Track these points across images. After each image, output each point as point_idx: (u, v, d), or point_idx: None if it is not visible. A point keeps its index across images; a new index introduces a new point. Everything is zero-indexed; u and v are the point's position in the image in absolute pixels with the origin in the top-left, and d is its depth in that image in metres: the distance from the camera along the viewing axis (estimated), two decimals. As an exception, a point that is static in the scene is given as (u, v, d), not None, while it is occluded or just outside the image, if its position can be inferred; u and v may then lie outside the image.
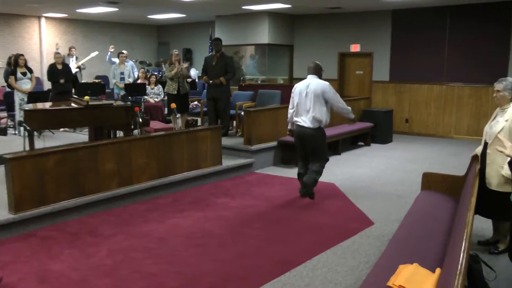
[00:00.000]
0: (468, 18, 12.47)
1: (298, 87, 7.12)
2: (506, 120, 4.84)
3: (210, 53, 10.41)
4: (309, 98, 6.88)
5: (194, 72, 16.09)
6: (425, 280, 3.32)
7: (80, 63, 13.80)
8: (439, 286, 3.13)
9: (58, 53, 12.02)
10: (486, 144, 5.11)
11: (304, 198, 7.19)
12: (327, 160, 7.26)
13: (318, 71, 7.15)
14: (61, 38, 17.42)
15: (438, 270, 3.43)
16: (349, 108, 7.27)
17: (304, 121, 6.92)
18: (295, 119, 7.07)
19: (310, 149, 7.05)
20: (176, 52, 10.62)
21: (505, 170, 4.70)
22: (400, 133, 13.41)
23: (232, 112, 10.86)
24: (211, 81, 10.07)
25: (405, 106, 13.69)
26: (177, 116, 10.41)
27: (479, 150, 5.35)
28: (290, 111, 7.16)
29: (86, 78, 15.59)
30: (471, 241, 3.44)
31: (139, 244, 5.45)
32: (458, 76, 12.76)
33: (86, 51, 14.73)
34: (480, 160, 5.15)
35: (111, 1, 12.45)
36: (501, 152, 3.06)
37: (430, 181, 5.92)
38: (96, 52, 14.53)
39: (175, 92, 10.47)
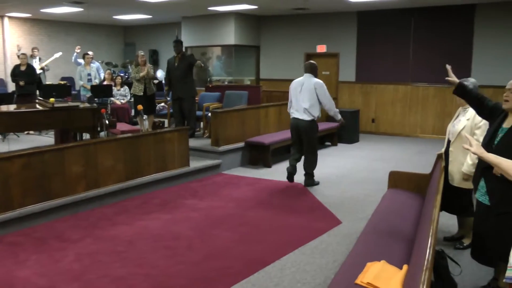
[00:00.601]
0: (432, 19, 12.68)
1: (293, 84, 7.96)
2: (468, 119, 4.98)
3: (172, 56, 10.39)
4: (303, 94, 7.68)
5: (160, 74, 16.00)
6: (392, 277, 3.37)
7: (43, 64, 13.60)
8: (406, 282, 3.17)
9: (23, 54, 11.84)
10: (449, 142, 5.22)
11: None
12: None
13: (313, 70, 7.85)
14: (25, 38, 17.11)
15: (405, 267, 3.48)
16: (337, 110, 7.97)
17: (299, 113, 7.71)
18: (291, 112, 7.89)
19: (305, 140, 7.82)
20: (142, 53, 10.56)
21: (465, 167, 4.82)
22: (366, 133, 13.55)
23: (199, 113, 10.84)
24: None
25: (371, 106, 13.84)
26: (144, 117, 10.34)
27: (467, 146, 5.43)
28: (288, 106, 8.01)
29: (51, 79, 15.38)
30: (437, 237, 3.50)
31: (107, 248, 5.40)
32: (423, 76, 12.96)
33: (51, 52, 14.54)
34: (444, 158, 5.27)
35: (76, 1, 12.29)
36: (467, 149, 3.11)
37: (397, 180, 6.00)
38: (60, 53, 14.33)
39: (141, 94, 10.42)
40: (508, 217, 3.83)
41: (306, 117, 7.67)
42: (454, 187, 5.11)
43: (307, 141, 7.83)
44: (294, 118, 7.80)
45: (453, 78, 4.38)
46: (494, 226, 3.84)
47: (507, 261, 2.71)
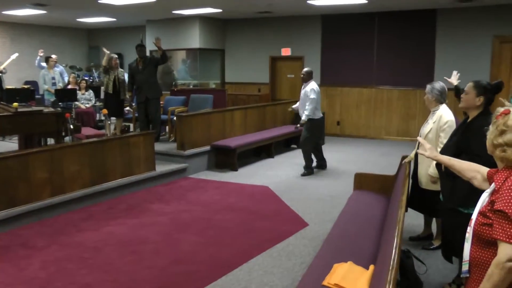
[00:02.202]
0: (395, 23, 12.87)
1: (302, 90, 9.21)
2: (434, 122, 5.08)
3: (133, 60, 10.36)
4: (302, 97, 9.03)
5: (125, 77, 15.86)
6: (359, 277, 3.42)
7: (1, 67, 13.34)
8: (373, 282, 3.22)
9: None
10: (418, 144, 5.32)
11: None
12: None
13: (309, 76, 9.06)
14: (-14, 41, 16.80)
15: (371, 267, 3.53)
16: (308, 114, 8.79)
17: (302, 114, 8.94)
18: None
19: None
20: (116, 57, 10.51)
21: (431, 169, 4.92)
22: (332, 135, 13.65)
23: (164, 117, 10.80)
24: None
25: (336, 108, 13.96)
26: (112, 120, 10.27)
27: (421, 150, 5.54)
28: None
29: (14, 83, 15.10)
30: (402, 237, 3.56)
31: (73, 254, 5.34)
32: (387, 79, 13.13)
33: (13, 55, 14.24)
34: (414, 160, 5.38)
35: (38, 3, 12.12)
36: (422, 154, 3.21)
37: (362, 181, 6.08)
38: (16, 54, 14.04)
39: (112, 91, 10.38)
40: (455, 212, 3.98)
41: (305, 117, 8.90)
42: (422, 188, 5.22)
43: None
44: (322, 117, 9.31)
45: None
46: (445, 221, 4.05)
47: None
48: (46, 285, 4.59)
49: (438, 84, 5.21)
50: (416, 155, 5.35)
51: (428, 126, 5.16)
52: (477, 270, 2.38)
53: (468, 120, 4.17)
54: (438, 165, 3.39)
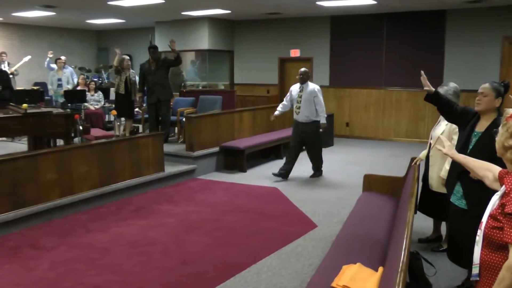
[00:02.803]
0: (404, 24, 12.83)
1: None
2: (446, 124, 5.02)
3: (145, 61, 10.37)
4: (305, 98, 8.72)
5: (136, 78, 15.88)
6: (368, 279, 3.40)
7: (13, 69, 13.40)
8: (382, 284, 3.20)
9: None
10: (430, 146, 5.28)
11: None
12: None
13: (308, 76, 8.83)
14: (-4, 43, 16.89)
15: (380, 269, 3.51)
16: (325, 115, 8.86)
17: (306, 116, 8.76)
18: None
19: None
20: (127, 58, 10.50)
21: (443, 172, 4.88)
22: (341, 137, 13.62)
23: (173, 118, 10.80)
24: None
25: (345, 110, 13.93)
26: (119, 122, 10.28)
27: (423, 154, 5.53)
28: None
29: (24, 85, 15.17)
30: (411, 239, 3.54)
31: (82, 255, 5.35)
32: (396, 80, 13.09)
33: (23, 57, 14.31)
34: (425, 162, 5.33)
35: (48, 5, 12.16)
36: (440, 150, 3.17)
37: (371, 183, 6.05)
38: (29, 57, 14.12)
39: (123, 92, 10.37)
40: (463, 216, 3.94)
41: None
42: (433, 191, 5.18)
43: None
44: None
45: (429, 87, 4.45)
46: (471, 229, 3.88)
47: None
48: (54, 286, 4.60)
49: (452, 85, 5.16)
50: (427, 157, 5.31)
51: (440, 128, 5.11)
52: (488, 274, 2.35)
53: (490, 123, 4.01)
54: (466, 171, 3.25)
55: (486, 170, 2.76)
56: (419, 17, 12.56)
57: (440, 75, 12.13)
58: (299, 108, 8.66)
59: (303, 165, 9.83)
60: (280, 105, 9.08)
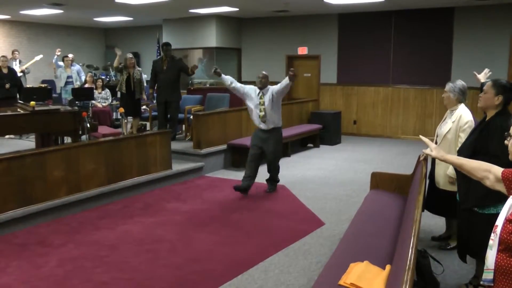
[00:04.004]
0: (412, 22, 12.78)
1: None
2: (453, 121, 5.00)
3: (158, 57, 10.38)
4: (270, 103, 7.60)
5: (141, 76, 15.91)
6: (375, 277, 3.39)
7: (24, 67, 13.47)
8: (389, 282, 3.19)
9: (4, 56, 11.73)
10: (436, 144, 5.26)
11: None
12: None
13: (268, 81, 7.76)
14: (4, 41, 16.93)
15: (388, 267, 3.50)
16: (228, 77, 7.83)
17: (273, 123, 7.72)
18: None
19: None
20: (131, 56, 10.48)
21: (450, 170, 4.87)
22: (348, 135, 13.60)
23: (181, 116, 10.81)
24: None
25: (353, 108, 13.90)
26: (129, 119, 10.29)
27: (427, 151, 5.50)
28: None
29: (32, 82, 15.23)
30: (419, 237, 3.53)
31: (89, 253, 5.36)
32: (403, 78, 13.05)
33: (31, 55, 14.39)
34: (431, 160, 5.31)
35: (55, 3, 12.19)
36: (428, 155, 3.11)
37: (379, 181, 6.03)
38: (41, 56, 14.20)
39: (125, 91, 10.36)
40: (472, 213, 3.94)
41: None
42: (440, 189, 5.16)
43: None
44: None
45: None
46: (462, 222, 3.99)
47: (481, 259, 2.73)
48: (62, 283, 4.61)
49: (460, 83, 5.13)
50: None
51: (447, 126, 5.09)
52: (504, 279, 2.26)
53: (486, 119, 4.11)
54: None
55: (485, 171, 2.68)
56: (427, 15, 12.50)
57: (448, 72, 12.09)
58: (264, 117, 7.46)
59: (309, 164, 9.83)
60: (233, 80, 7.76)
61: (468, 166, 2.81)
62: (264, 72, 7.69)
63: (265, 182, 8.00)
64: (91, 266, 5.00)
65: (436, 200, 5.27)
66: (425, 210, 5.32)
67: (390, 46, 13.14)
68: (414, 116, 13.04)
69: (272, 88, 7.51)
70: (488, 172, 2.66)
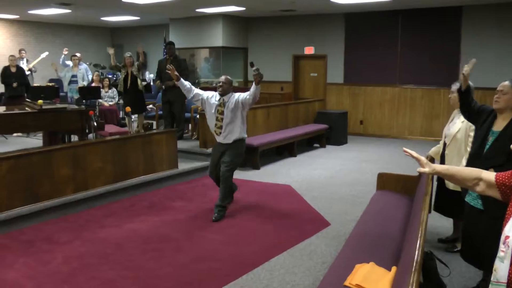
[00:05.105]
0: (420, 21, 12.75)
1: None
2: (462, 121, 4.97)
3: (164, 57, 10.42)
4: (230, 112, 6.45)
5: (148, 76, 15.97)
6: (381, 278, 3.39)
7: (31, 65, 13.53)
8: (395, 283, 3.19)
9: (12, 55, 11.79)
10: (445, 145, 5.23)
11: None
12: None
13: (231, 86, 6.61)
14: (12, 40, 17.02)
15: (394, 268, 3.50)
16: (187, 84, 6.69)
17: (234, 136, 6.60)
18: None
19: None
20: (129, 55, 10.52)
21: None
22: (355, 135, 13.59)
23: (187, 115, 10.82)
24: (163, 85, 10.11)
25: (360, 107, 13.88)
26: (133, 118, 10.31)
27: (433, 151, 5.50)
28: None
29: (39, 81, 15.29)
30: (425, 239, 3.52)
31: (95, 250, 5.38)
32: (410, 78, 13.03)
33: (38, 54, 14.42)
34: (440, 161, 5.29)
35: (63, 2, 12.24)
36: (423, 172, 2.91)
37: (385, 181, 6.02)
38: (46, 53, 14.25)
39: (122, 90, 10.47)
40: (501, 221, 3.85)
41: None
42: (450, 190, 5.12)
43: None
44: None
45: (467, 80, 4.28)
46: (487, 230, 3.80)
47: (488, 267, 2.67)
48: (68, 280, 4.63)
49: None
50: (442, 155, 5.27)
51: (456, 126, 5.06)
52: None
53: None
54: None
55: (474, 179, 2.60)
56: (435, 14, 12.47)
57: (455, 73, 12.02)
58: (220, 128, 6.42)
59: (315, 164, 9.82)
60: (193, 89, 6.65)
61: (459, 176, 2.70)
62: (225, 76, 6.54)
63: (271, 181, 8.01)
64: (97, 263, 5.02)
65: (445, 201, 5.24)
66: (431, 211, 5.30)
67: (397, 45, 13.12)
68: (421, 116, 13.01)
69: (238, 96, 6.35)
70: (478, 179, 2.59)
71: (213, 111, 6.42)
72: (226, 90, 6.39)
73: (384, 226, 4.71)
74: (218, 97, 6.44)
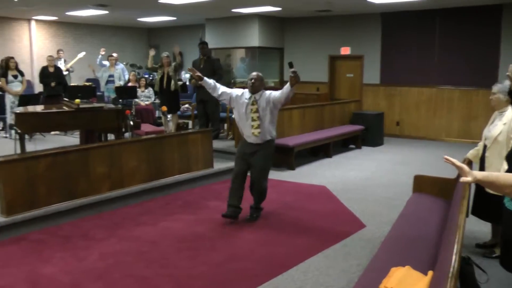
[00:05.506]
0: (458, 20, 12.53)
1: None
2: (504, 124, 4.85)
3: (198, 57, 10.49)
4: (264, 111, 6.22)
5: (184, 75, 16.08)
6: (417, 283, 3.33)
7: (68, 65, 13.76)
8: (431, 288, 3.14)
9: (50, 56, 12.01)
10: (485, 147, 5.13)
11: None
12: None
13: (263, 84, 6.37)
14: (51, 41, 17.35)
15: (430, 273, 3.44)
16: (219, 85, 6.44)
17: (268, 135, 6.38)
18: None
19: None
20: (166, 55, 10.62)
21: (502, 173, 4.72)
22: (391, 136, 13.44)
23: (223, 114, 10.85)
24: (199, 82, 10.16)
25: (396, 109, 13.73)
26: (168, 119, 10.39)
27: (471, 153, 5.39)
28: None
29: (77, 81, 15.53)
30: (462, 243, 3.45)
31: (130, 248, 5.43)
32: (448, 79, 12.82)
33: (77, 54, 14.68)
34: (480, 163, 5.18)
35: (100, 4, 12.41)
36: (467, 182, 2.83)
37: (421, 184, 5.94)
38: (83, 53, 14.47)
39: (158, 89, 10.57)
40: None
41: None
42: (489, 194, 5.00)
43: None
44: None
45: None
46: (506, 229, 3.77)
47: None
48: (104, 276, 4.68)
49: (508, 83, 4.98)
50: (482, 158, 5.16)
51: (498, 128, 4.94)
52: None
53: None
54: None
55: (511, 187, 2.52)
56: (473, 13, 12.21)
57: (494, 73, 11.79)
58: (258, 127, 6.12)
59: (351, 165, 9.75)
60: (219, 87, 6.34)
61: (498, 183, 2.65)
62: (257, 72, 6.28)
63: (306, 182, 7.97)
64: (132, 261, 5.07)
65: (484, 204, 5.13)
66: (469, 216, 5.20)
67: (434, 45, 12.93)
68: (459, 118, 12.79)
69: (270, 94, 6.11)
70: None
71: (243, 110, 6.13)
72: (257, 87, 6.11)
73: (420, 229, 4.65)
74: (248, 95, 6.14)
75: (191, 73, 6.29)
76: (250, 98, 6.10)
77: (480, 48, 12.26)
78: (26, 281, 4.58)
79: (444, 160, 2.90)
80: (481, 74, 12.16)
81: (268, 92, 6.14)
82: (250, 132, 6.13)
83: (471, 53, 12.37)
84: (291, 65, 5.93)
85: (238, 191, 6.31)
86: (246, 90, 6.18)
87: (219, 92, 6.28)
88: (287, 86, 5.86)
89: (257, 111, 6.06)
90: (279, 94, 6.01)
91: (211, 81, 6.30)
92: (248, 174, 6.44)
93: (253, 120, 6.08)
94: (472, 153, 5.39)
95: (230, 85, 14.27)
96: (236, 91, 6.28)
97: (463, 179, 2.73)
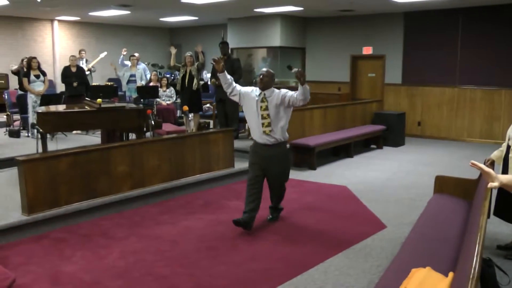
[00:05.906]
0: (480, 20, 12.38)
1: None
2: None
3: (218, 56, 10.50)
4: (275, 110, 5.95)
5: (205, 75, 16.12)
6: (437, 284, 3.31)
7: (90, 65, 13.86)
8: (452, 290, 3.11)
9: (73, 56, 12.12)
10: (508, 148, 5.06)
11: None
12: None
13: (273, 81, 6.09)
14: (74, 41, 17.54)
15: (451, 274, 3.41)
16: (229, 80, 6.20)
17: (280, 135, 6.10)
18: None
19: None
20: (189, 54, 10.65)
21: None
22: (412, 136, 13.34)
23: (243, 114, 10.84)
24: (217, 82, 10.16)
25: (418, 109, 13.62)
26: (189, 118, 10.42)
27: (494, 154, 5.33)
28: None
29: (98, 80, 15.66)
30: (484, 245, 3.42)
31: (151, 247, 5.46)
32: (470, 78, 12.68)
33: (98, 55, 14.81)
34: (503, 164, 5.12)
35: (123, 4, 12.50)
36: (493, 188, 2.78)
37: (443, 184, 5.89)
38: (105, 53, 14.57)
39: (180, 89, 10.61)
40: None
41: None
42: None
43: None
44: None
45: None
46: None
47: None
48: (124, 274, 4.71)
49: None
50: (505, 159, 5.09)
51: None
52: None
53: None
54: None
55: None
56: (497, 12, 12.07)
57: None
58: (268, 125, 5.84)
59: (372, 165, 9.69)
60: (234, 85, 6.14)
61: None
62: (267, 68, 6.04)
63: (327, 182, 7.94)
64: (152, 259, 5.09)
65: (506, 205, 5.07)
66: (491, 217, 5.14)
67: (457, 45, 12.79)
68: (481, 118, 12.65)
69: (286, 93, 5.84)
70: None
71: (254, 108, 5.87)
72: (266, 83, 5.83)
73: (441, 230, 4.61)
74: (258, 91, 5.90)
75: (215, 63, 6.06)
76: (260, 95, 5.87)
77: (503, 47, 12.11)
78: (47, 279, 4.63)
79: (470, 165, 2.86)
80: (504, 74, 12.02)
81: (284, 90, 5.90)
82: (261, 131, 5.87)
83: (494, 52, 12.23)
84: (290, 68, 5.82)
85: (255, 202, 6.01)
86: (256, 88, 5.99)
87: (231, 89, 6.07)
88: (299, 87, 5.62)
89: (267, 108, 5.81)
90: (296, 94, 5.72)
91: (229, 77, 6.06)
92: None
93: (263, 118, 5.83)
94: (496, 154, 5.33)
95: (251, 84, 14.29)
96: (245, 88, 6.09)
97: (490, 184, 2.73)
